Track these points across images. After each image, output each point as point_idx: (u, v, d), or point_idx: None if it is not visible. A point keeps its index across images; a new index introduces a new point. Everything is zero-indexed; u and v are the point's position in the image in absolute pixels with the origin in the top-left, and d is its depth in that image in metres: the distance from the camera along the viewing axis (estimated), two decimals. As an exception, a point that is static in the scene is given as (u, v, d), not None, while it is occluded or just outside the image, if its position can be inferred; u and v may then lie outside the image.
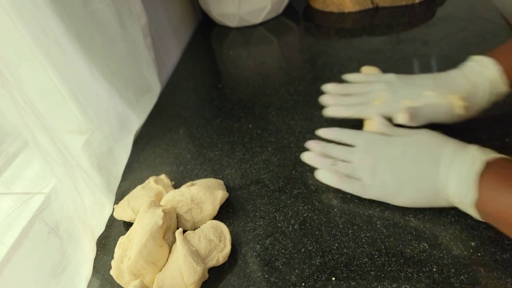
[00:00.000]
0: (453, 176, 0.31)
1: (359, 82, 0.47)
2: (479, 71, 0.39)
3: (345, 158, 0.39)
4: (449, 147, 0.33)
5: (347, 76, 0.48)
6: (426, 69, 0.54)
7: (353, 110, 0.44)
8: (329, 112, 0.45)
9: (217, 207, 0.40)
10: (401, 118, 0.40)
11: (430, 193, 0.33)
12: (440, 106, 0.39)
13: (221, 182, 0.44)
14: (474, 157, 0.31)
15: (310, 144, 0.42)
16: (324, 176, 0.39)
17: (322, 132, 0.42)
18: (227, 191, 0.42)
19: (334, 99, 0.46)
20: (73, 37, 0.43)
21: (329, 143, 0.41)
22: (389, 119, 0.42)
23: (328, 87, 0.47)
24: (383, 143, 0.38)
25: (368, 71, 0.50)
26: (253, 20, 0.79)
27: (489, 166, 0.30)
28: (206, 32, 0.84)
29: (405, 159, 0.35)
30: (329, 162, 0.39)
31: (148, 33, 0.58)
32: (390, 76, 0.45)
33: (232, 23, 0.80)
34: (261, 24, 0.80)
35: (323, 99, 0.47)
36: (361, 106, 0.43)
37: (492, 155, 0.31)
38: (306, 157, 0.41)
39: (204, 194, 0.39)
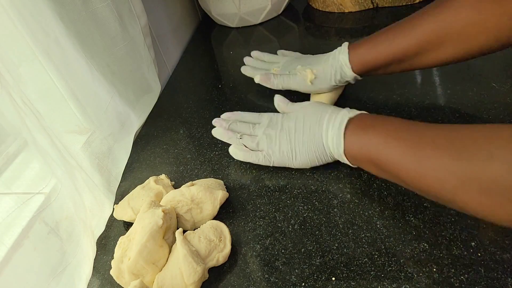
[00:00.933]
0: (329, 133, 0.38)
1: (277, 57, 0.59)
2: (337, 54, 0.46)
3: (250, 132, 0.45)
4: (328, 111, 0.40)
5: (278, 51, 0.61)
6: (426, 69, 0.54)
7: (255, 71, 0.58)
8: (242, 69, 0.60)
9: (217, 207, 0.40)
10: (256, 78, 0.54)
11: (319, 152, 0.40)
12: (295, 76, 0.50)
13: (221, 182, 0.44)
14: (343, 115, 0.38)
15: (216, 121, 0.48)
16: (235, 152, 0.45)
17: (227, 115, 0.48)
18: (227, 191, 0.42)
19: (251, 61, 0.61)
20: (73, 37, 0.43)
21: (236, 121, 0.47)
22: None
23: (253, 53, 0.62)
24: (280, 119, 0.44)
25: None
26: (253, 20, 0.79)
27: (351, 120, 0.37)
28: (206, 32, 0.84)
29: (297, 127, 0.42)
30: (237, 135, 0.45)
31: (148, 33, 0.58)
32: (294, 55, 0.58)
33: (232, 23, 0.80)
34: (261, 24, 0.80)
35: (245, 59, 0.62)
36: (258, 70, 0.57)
37: (355, 112, 0.38)
38: (215, 132, 0.47)
39: (204, 194, 0.39)
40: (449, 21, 0.37)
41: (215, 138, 0.52)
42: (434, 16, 0.38)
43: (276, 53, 0.60)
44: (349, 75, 0.46)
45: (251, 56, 0.62)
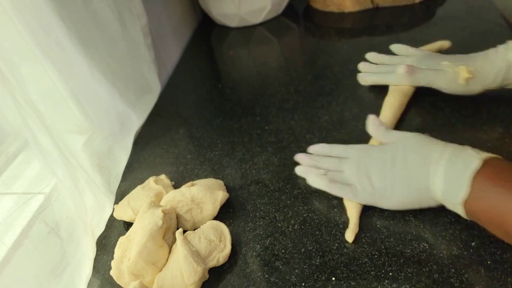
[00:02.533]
0: (444, 174, 0.31)
1: (399, 54, 0.52)
2: (502, 52, 0.40)
3: (336, 168, 0.39)
4: (439, 147, 0.33)
5: (392, 47, 0.53)
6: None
7: (377, 77, 0.50)
8: (359, 79, 0.53)
9: (218, 207, 0.40)
10: (400, 69, 0.45)
11: (419, 193, 0.33)
12: (444, 72, 0.43)
13: (221, 182, 0.44)
14: (470, 155, 0.31)
15: (299, 157, 0.43)
16: (314, 180, 0.39)
17: (312, 148, 0.43)
18: (227, 191, 0.42)
19: (367, 67, 0.53)
20: (73, 37, 0.43)
21: (318, 156, 0.42)
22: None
23: (368, 55, 0.54)
24: (373, 151, 0.38)
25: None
26: (253, 20, 0.79)
27: (484, 165, 0.29)
28: (206, 32, 0.84)
29: (395, 162, 0.35)
30: (321, 171, 0.40)
31: (148, 33, 0.58)
32: (422, 52, 0.49)
33: (232, 23, 0.80)
34: (261, 24, 0.80)
35: (360, 65, 0.54)
36: (385, 74, 0.49)
37: (487, 154, 0.31)
38: (298, 170, 0.42)
39: (205, 195, 0.39)
40: None
41: (215, 138, 0.52)
42: None
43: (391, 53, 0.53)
44: None
45: (367, 61, 0.55)
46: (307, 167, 0.41)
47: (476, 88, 0.42)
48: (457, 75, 0.42)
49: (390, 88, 0.48)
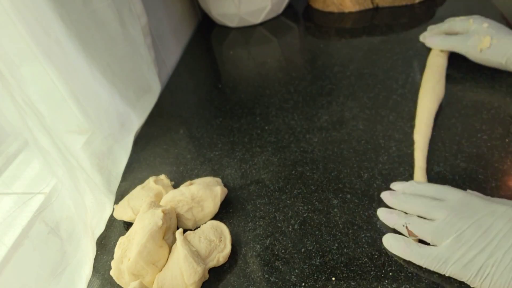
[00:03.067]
0: None
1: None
2: None
3: (426, 213, 0.31)
4: None
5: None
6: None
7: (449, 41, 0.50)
8: (427, 41, 0.53)
9: (218, 203, 0.40)
10: (422, 37, 0.53)
11: None
12: (469, 38, 0.46)
13: (218, 179, 0.44)
14: None
15: (384, 195, 0.36)
16: (389, 242, 0.32)
17: (398, 186, 0.36)
18: (227, 191, 0.42)
19: (438, 30, 0.54)
20: (73, 37, 0.43)
21: (409, 194, 0.34)
22: None
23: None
24: (481, 208, 0.29)
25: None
26: (253, 20, 0.79)
27: None
28: (206, 32, 0.84)
29: (508, 237, 0.27)
30: (403, 221, 0.32)
31: (148, 33, 0.58)
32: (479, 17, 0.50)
33: (232, 23, 0.80)
34: (261, 24, 0.80)
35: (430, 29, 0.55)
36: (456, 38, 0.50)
37: None
38: (380, 213, 0.35)
39: (204, 192, 0.39)
40: None
41: (215, 138, 0.52)
42: None
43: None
44: None
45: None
46: (388, 214, 0.34)
47: (492, 59, 0.44)
48: (478, 42, 0.45)
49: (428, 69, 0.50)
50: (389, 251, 0.32)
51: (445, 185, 0.33)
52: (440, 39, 0.50)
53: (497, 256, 0.26)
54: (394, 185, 0.37)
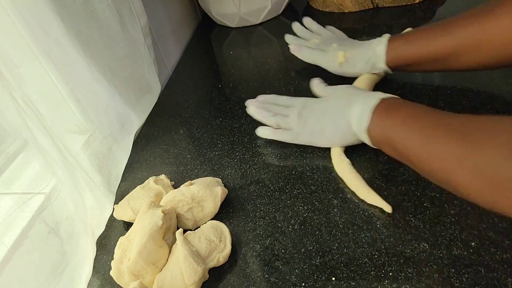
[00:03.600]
0: (357, 111, 0.39)
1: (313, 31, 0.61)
2: (375, 45, 0.47)
3: (283, 112, 0.46)
4: (361, 93, 0.41)
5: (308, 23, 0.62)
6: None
7: (291, 40, 0.60)
8: (285, 37, 0.62)
9: (218, 204, 0.40)
10: (290, 48, 0.56)
11: (343, 130, 0.40)
12: (327, 54, 0.52)
13: (219, 179, 0.44)
14: (376, 95, 0.38)
15: (249, 101, 0.49)
16: (261, 132, 0.47)
17: (262, 97, 0.50)
18: (227, 191, 0.42)
19: (298, 29, 0.62)
20: (73, 37, 0.43)
21: (268, 103, 0.48)
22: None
23: (304, 19, 0.62)
24: (313, 102, 0.45)
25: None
26: (253, 20, 0.79)
27: (382, 101, 0.37)
28: (206, 32, 0.84)
29: (328, 107, 0.43)
30: (269, 114, 0.46)
31: (148, 33, 0.58)
32: (339, 34, 0.59)
33: (232, 23, 0.80)
34: (261, 24, 0.80)
35: (288, 38, 0.62)
36: (299, 40, 0.59)
37: (388, 95, 0.38)
38: (250, 110, 0.48)
39: (205, 192, 0.39)
40: (489, 27, 0.37)
41: (215, 138, 0.52)
42: (475, 20, 0.39)
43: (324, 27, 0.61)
44: (381, 67, 0.47)
45: (301, 24, 0.63)
46: (257, 108, 0.48)
47: (349, 71, 0.50)
48: (335, 58, 0.50)
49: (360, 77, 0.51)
50: (263, 138, 0.48)
51: (292, 97, 0.48)
52: (307, 52, 0.55)
53: (323, 123, 0.42)
54: (259, 97, 0.50)
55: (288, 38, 0.62)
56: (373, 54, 0.47)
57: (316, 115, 0.43)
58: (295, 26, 0.62)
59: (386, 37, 0.47)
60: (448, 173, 0.29)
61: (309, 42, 0.58)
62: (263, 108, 0.47)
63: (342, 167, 0.41)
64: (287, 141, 0.45)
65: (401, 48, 0.45)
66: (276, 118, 0.46)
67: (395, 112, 0.36)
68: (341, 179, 0.41)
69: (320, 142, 0.44)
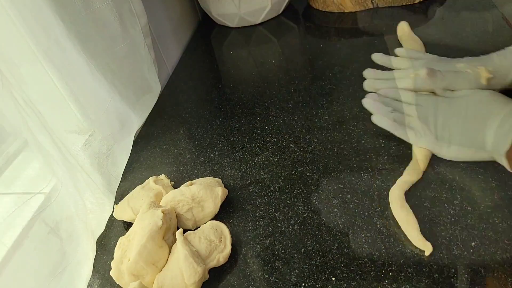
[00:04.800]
0: (496, 127, 0.34)
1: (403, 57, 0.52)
2: None
3: (405, 111, 0.42)
4: (501, 104, 0.36)
5: (396, 50, 0.53)
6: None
7: (389, 83, 0.48)
8: (367, 86, 0.50)
9: (219, 204, 0.40)
10: (421, 73, 0.44)
11: (474, 145, 0.36)
12: (465, 74, 0.42)
13: (219, 180, 0.44)
14: None
15: (370, 95, 0.45)
16: (379, 120, 0.43)
17: (384, 91, 0.45)
18: (227, 191, 0.42)
19: (374, 74, 0.50)
20: (73, 37, 0.43)
21: (388, 98, 0.44)
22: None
23: (375, 56, 0.53)
24: (443, 103, 0.40)
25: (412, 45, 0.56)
26: (253, 20, 0.79)
27: None
28: (206, 32, 0.84)
29: (460, 114, 0.38)
30: (388, 109, 0.42)
31: (148, 33, 0.58)
32: (431, 56, 0.49)
33: (232, 23, 0.80)
34: (261, 24, 0.80)
35: (367, 73, 0.51)
36: (398, 80, 0.47)
37: None
38: (365, 102, 0.45)
39: (205, 193, 0.39)
40: None
41: (215, 138, 0.52)
42: None
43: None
44: None
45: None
46: (375, 102, 0.43)
47: (496, 86, 0.42)
48: (478, 75, 0.42)
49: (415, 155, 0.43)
50: (378, 125, 0.43)
51: (421, 93, 0.43)
52: (440, 75, 0.44)
53: (451, 131, 0.38)
54: (381, 90, 0.46)
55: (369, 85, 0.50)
56: None
57: (445, 121, 0.39)
58: (369, 73, 0.51)
59: None
60: None
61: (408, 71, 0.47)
62: (381, 102, 0.44)
63: (402, 213, 0.36)
64: (406, 140, 0.42)
65: None
66: (395, 114, 0.42)
67: None
68: (341, 179, 0.41)
69: (444, 152, 0.39)
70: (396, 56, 0.53)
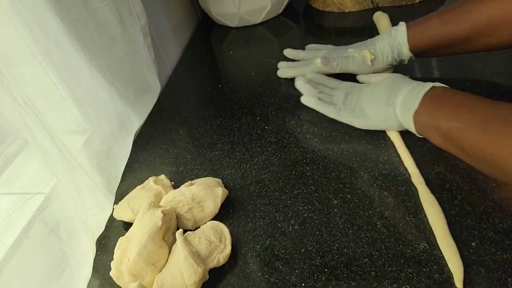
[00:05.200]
0: (405, 94, 0.40)
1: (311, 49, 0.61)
2: (394, 34, 0.48)
3: (328, 92, 0.50)
4: (410, 80, 0.42)
5: (307, 46, 0.62)
6: (425, 69, 0.54)
7: (295, 70, 0.58)
8: (279, 73, 0.60)
9: (219, 204, 0.40)
10: (316, 62, 0.53)
11: (386, 113, 0.42)
12: (354, 58, 0.51)
13: (219, 180, 0.44)
14: (426, 83, 0.39)
15: (298, 78, 0.54)
16: (306, 100, 0.51)
17: (312, 75, 0.53)
18: (228, 192, 0.42)
19: (286, 64, 0.61)
20: (73, 37, 0.43)
21: (316, 83, 0.52)
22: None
23: (285, 51, 0.63)
24: (360, 86, 0.48)
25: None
26: (253, 20, 0.79)
27: (433, 89, 0.39)
28: (206, 32, 0.84)
29: (374, 91, 0.44)
30: (316, 91, 0.50)
31: (148, 33, 0.58)
32: (328, 46, 0.59)
33: (232, 23, 0.80)
34: (261, 24, 0.80)
35: (280, 64, 0.62)
36: (302, 67, 0.57)
37: (439, 84, 0.39)
38: (297, 83, 0.53)
39: (205, 193, 0.39)
40: (504, 8, 0.38)
41: (215, 138, 0.52)
42: (490, 1, 0.39)
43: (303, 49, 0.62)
44: (406, 54, 0.48)
45: (286, 59, 0.62)
46: (304, 83, 0.52)
47: (380, 66, 0.50)
48: (364, 58, 0.50)
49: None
50: (305, 104, 0.51)
51: (341, 80, 0.51)
52: (334, 62, 0.52)
53: (367, 104, 0.44)
54: (309, 74, 0.54)
55: (284, 72, 0.60)
56: (396, 43, 0.48)
57: (362, 96, 0.45)
58: (282, 63, 0.62)
59: (403, 24, 0.48)
60: (505, 160, 0.30)
61: (319, 53, 0.57)
62: (310, 84, 0.51)
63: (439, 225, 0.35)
64: (328, 115, 0.48)
65: (420, 34, 0.46)
66: (321, 94, 0.49)
67: (447, 100, 0.37)
68: (341, 179, 0.41)
69: (359, 121, 0.45)
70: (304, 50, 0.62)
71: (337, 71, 0.53)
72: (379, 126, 0.44)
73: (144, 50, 0.57)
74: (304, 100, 0.51)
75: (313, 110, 0.52)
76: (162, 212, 0.36)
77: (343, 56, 0.52)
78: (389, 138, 0.44)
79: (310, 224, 0.37)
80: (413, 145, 0.42)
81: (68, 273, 0.38)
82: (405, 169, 0.40)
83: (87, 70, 0.45)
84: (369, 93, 0.45)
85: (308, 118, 0.51)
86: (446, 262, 0.31)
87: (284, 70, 0.60)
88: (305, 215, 0.38)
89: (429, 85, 0.39)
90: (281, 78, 0.61)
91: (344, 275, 0.32)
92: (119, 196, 0.47)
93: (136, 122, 0.57)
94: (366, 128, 0.45)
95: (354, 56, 0.51)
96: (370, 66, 0.50)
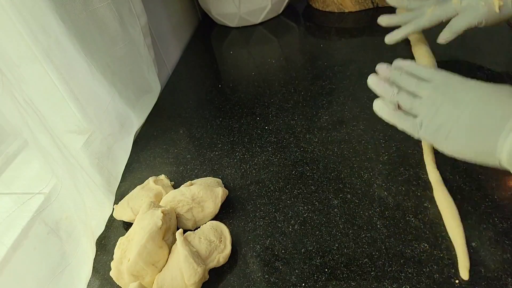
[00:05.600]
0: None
1: None
2: None
3: (414, 90, 0.35)
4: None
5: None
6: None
7: (411, 26, 0.50)
8: (387, 40, 0.52)
9: (219, 204, 0.40)
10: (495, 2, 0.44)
11: (483, 147, 0.30)
12: (479, 7, 0.44)
13: (219, 180, 0.44)
14: None
15: (380, 66, 0.39)
16: (379, 107, 0.37)
17: (397, 62, 0.39)
18: (227, 191, 0.42)
19: (382, 85, 0.41)
20: (73, 37, 0.43)
21: (403, 72, 0.37)
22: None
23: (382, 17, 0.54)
24: (458, 86, 0.33)
25: None
26: (253, 20, 0.79)
27: None
28: (206, 32, 0.84)
29: (472, 106, 0.31)
30: (393, 90, 0.36)
31: (148, 33, 0.58)
32: None
33: (232, 23, 0.80)
34: (261, 24, 0.80)
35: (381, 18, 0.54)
36: (416, 20, 0.49)
37: None
38: (370, 80, 0.39)
39: (205, 193, 0.39)
40: None
41: (215, 138, 0.52)
42: None
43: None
44: None
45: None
46: (380, 80, 0.38)
47: (505, 13, 0.44)
48: (493, 5, 0.44)
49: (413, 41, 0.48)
50: (377, 114, 0.37)
51: (437, 69, 0.36)
52: (448, 27, 0.47)
53: (457, 122, 0.31)
54: (395, 62, 0.39)
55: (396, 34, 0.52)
56: None
57: (454, 109, 0.32)
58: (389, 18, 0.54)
59: None
60: None
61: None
62: (387, 82, 0.38)
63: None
64: (404, 130, 0.35)
65: None
66: (400, 96, 0.36)
67: None
68: (341, 179, 0.41)
69: (445, 147, 0.32)
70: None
71: (466, 28, 0.45)
72: (471, 159, 0.32)
73: (144, 50, 0.57)
74: (377, 107, 0.37)
75: (313, 110, 0.52)
76: (162, 212, 0.36)
77: (470, 5, 0.45)
78: (388, 138, 0.44)
79: (310, 224, 0.37)
80: (414, 145, 0.42)
81: (68, 273, 0.38)
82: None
83: (87, 70, 0.45)
84: (464, 107, 0.31)
85: (308, 117, 0.51)
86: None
87: (388, 21, 0.53)
88: (305, 215, 0.38)
89: None
90: (281, 78, 0.61)
91: (344, 275, 0.32)
92: (119, 196, 0.47)
93: (136, 122, 0.57)
94: (453, 156, 0.33)
95: (481, 4, 0.44)
96: (498, 14, 0.44)
